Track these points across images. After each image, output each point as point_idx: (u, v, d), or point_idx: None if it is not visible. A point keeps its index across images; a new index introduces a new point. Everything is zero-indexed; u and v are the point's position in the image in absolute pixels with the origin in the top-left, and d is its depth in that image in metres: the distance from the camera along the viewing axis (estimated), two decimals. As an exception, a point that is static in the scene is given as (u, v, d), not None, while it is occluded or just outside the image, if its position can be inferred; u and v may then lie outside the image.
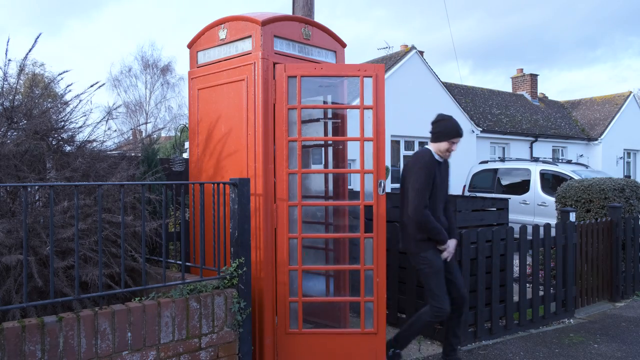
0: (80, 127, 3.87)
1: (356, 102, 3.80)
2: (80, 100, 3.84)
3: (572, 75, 74.75)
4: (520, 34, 76.99)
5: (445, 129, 3.82)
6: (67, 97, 3.92)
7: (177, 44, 61.79)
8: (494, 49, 75.37)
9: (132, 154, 4.48)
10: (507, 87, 23.27)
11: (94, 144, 3.97)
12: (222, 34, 3.88)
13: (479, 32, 70.50)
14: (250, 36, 3.69)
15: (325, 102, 4.54)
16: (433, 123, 3.89)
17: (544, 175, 10.41)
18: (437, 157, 3.81)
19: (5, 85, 3.63)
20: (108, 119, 4.08)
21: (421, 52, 16.19)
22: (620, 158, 21.86)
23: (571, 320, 5.52)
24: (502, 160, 12.39)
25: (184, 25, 55.54)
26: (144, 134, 20.54)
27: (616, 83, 68.37)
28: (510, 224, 5.45)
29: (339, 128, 4.34)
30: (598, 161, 20.63)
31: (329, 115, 4.42)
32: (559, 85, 70.41)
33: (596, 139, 21.02)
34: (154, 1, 56.32)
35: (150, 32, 54.57)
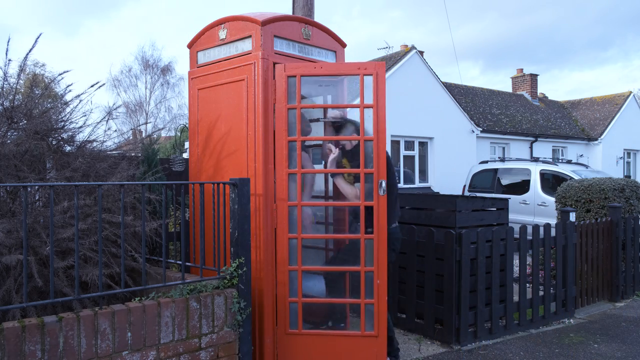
0: (81, 127, 3.87)
1: (356, 101, 3.79)
2: (81, 101, 3.84)
3: (582, 75, 74.92)
4: (531, 35, 77.25)
5: None
6: (68, 97, 3.92)
7: (178, 44, 61.89)
8: (504, 50, 75.61)
9: (132, 154, 4.47)
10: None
11: (94, 144, 3.96)
12: (222, 34, 3.88)
13: (491, 32, 70.67)
14: (250, 36, 3.69)
15: (325, 102, 4.54)
16: None
17: (544, 175, 10.41)
18: None
19: (5, 85, 3.63)
20: (108, 119, 4.08)
21: (421, 52, 16.18)
22: (620, 158, 21.85)
23: (571, 320, 5.52)
24: (502, 160, 12.39)
25: (194, 24, 55.65)
26: (144, 134, 20.55)
27: (626, 83, 68.65)
28: (510, 224, 5.45)
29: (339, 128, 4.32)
30: (598, 161, 20.63)
31: (328, 114, 4.42)
32: (569, 85, 70.57)
33: (596, 139, 21.01)
34: (172, 0, 56.30)
35: (164, 32, 54.61)
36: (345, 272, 3.97)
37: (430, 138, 15.90)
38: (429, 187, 15.74)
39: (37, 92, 4.19)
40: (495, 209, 5.46)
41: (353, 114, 4.14)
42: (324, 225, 4.48)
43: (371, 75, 3.60)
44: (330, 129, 4.09)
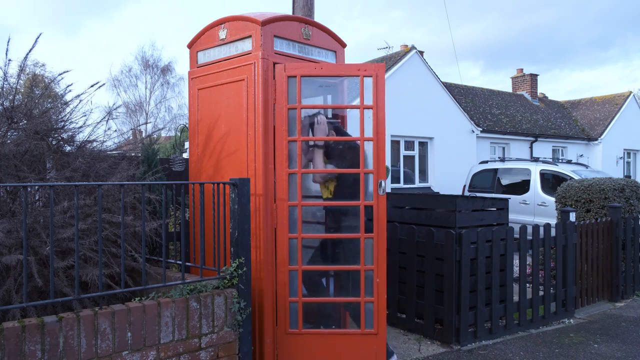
0: (81, 127, 3.87)
1: (356, 102, 3.80)
2: (81, 101, 3.84)
3: (583, 75, 75.04)
4: (531, 35, 77.39)
5: None
6: (68, 97, 3.92)
7: (178, 44, 61.95)
8: (505, 50, 75.74)
9: (132, 154, 4.47)
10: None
11: (94, 144, 3.96)
12: (222, 34, 3.88)
13: (491, 32, 70.79)
14: (250, 36, 3.69)
15: (325, 103, 4.54)
16: None
17: (544, 175, 10.41)
18: None
19: (5, 85, 3.63)
20: (108, 119, 4.08)
21: (421, 52, 16.19)
22: (620, 158, 21.86)
23: (571, 320, 5.52)
24: (502, 160, 12.39)
25: (194, 24, 55.69)
26: (144, 134, 20.55)
27: (626, 83, 68.81)
28: (510, 224, 5.45)
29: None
30: (598, 161, 20.62)
31: (329, 116, 4.42)
32: (570, 85, 70.66)
33: (596, 139, 21.02)
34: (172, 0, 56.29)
35: (164, 32, 54.63)
36: (323, 271, 4.06)
37: (430, 138, 15.90)
38: (429, 187, 15.75)
39: (37, 92, 4.19)
40: (495, 209, 5.46)
41: (353, 115, 4.15)
42: (324, 225, 4.48)
43: (371, 76, 3.65)
44: (307, 126, 4.11)
